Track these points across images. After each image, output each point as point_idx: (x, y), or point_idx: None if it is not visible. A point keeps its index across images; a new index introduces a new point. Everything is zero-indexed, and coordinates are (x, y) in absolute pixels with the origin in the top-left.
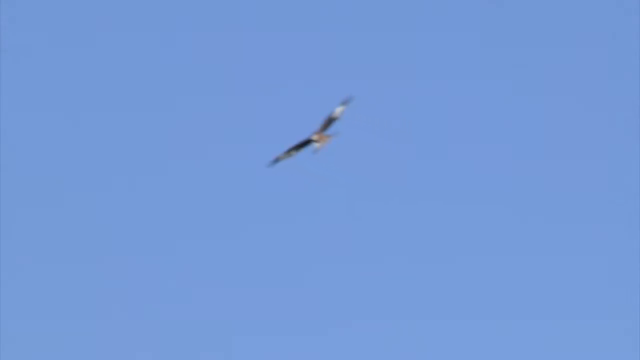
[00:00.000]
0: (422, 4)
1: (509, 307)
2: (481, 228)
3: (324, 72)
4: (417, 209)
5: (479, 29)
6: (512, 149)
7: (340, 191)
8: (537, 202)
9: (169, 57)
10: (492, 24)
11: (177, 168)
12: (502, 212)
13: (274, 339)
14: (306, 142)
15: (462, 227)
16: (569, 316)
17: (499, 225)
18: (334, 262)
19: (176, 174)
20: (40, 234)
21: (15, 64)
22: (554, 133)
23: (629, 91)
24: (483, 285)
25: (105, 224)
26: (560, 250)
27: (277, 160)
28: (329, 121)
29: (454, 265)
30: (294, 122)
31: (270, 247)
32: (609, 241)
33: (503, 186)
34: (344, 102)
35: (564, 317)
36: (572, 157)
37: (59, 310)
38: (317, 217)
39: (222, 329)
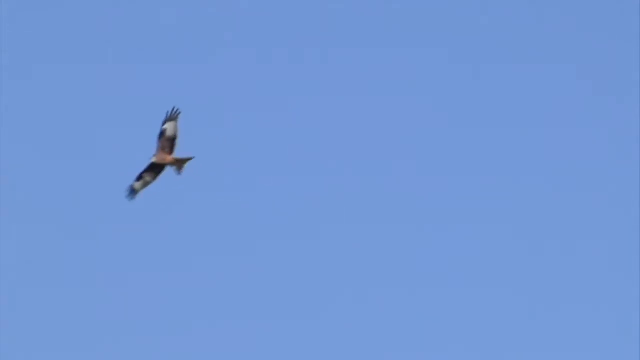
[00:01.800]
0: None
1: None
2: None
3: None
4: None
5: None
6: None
7: None
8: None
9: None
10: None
11: None
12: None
13: None
14: (157, 166)
15: None
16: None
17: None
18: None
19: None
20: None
21: (15, 64)
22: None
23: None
24: None
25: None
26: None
27: (134, 191)
28: (168, 140)
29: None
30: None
31: None
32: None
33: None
34: (171, 118)
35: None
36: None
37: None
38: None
39: None
